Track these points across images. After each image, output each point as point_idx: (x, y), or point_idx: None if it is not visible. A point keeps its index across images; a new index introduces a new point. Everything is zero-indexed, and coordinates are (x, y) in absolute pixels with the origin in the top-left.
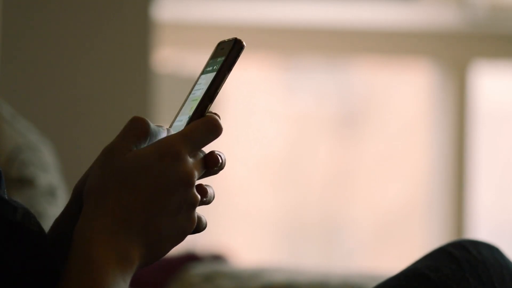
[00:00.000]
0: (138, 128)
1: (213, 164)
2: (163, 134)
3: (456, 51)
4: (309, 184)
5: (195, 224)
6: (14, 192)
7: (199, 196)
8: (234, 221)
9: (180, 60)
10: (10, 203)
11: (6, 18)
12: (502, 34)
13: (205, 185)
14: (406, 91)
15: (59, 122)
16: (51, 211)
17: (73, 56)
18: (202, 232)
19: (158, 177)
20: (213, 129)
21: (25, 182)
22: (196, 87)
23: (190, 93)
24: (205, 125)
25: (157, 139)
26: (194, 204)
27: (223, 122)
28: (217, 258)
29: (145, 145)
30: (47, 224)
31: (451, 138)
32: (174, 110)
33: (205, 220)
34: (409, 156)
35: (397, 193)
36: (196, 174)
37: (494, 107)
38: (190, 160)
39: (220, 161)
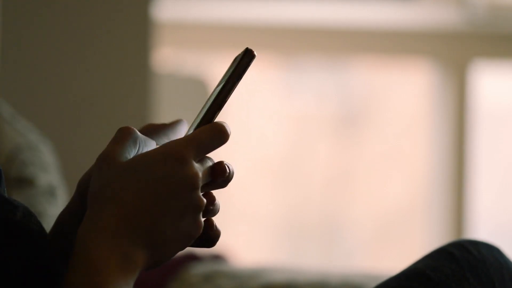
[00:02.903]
0: (125, 132)
1: (220, 174)
2: (153, 145)
3: (456, 51)
4: (309, 184)
5: (202, 228)
6: (14, 191)
7: (204, 200)
8: (234, 221)
9: (180, 60)
10: (10, 202)
11: (6, 18)
12: (502, 34)
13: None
14: (406, 91)
15: (59, 122)
16: (51, 211)
17: (73, 56)
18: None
19: (162, 180)
20: (219, 135)
21: (25, 182)
22: (210, 99)
23: (204, 106)
24: (211, 130)
25: (148, 147)
26: (199, 207)
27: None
28: (217, 258)
29: (136, 150)
30: (47, 224)
31: (451, 138)
32: (174, 110)
33: (219, 230)
34: (409, 156)
35: (397, 193)
36: (201, 177)
37: (494, 107)
38: (196, 164)
39: (228, 172)
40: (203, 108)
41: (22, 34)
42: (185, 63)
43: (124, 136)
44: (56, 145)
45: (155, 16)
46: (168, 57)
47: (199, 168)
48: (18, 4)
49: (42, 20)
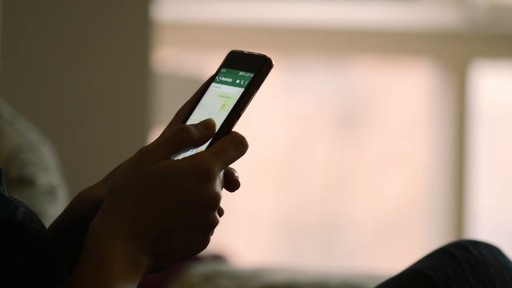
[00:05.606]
0: (183, 140)
1: (232, 188)
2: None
3: (456, 51)
4: (309, 184)
5: (207, 245)
6: (14, 191)
7: (218, 219)
8: (235, 221)
9: (180, 60)
10: (11, 201)
11: (6, 18)
12: (502, 34)
13: None
14: (406, 91)
15: (59, 122)
16: (51, 211)
17: (73, 56)
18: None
19: (185, 192)
20: (241, 148)
21: (25, 182)
22: (208, 93)
23: (200, 97)
24: (234, 143)
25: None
26: (213, 226)
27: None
28: (217, 258)
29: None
30: (47, 224)
31: (451, 138)
32: (174, 110)
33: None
34: (409, 156)
35: (397, 193)
36: (221, 197)
37: (494, 107)
38: (218, 181)
39: (239, 185)
40: (199, 101)
41: (22, 34)
42: (185, 63)
43: (179, 144)
44: (56, 145)
45: (155, 16)
46: (168, 57)
47: (219, 186)
48: (18, 4)
49: (42, 20)
